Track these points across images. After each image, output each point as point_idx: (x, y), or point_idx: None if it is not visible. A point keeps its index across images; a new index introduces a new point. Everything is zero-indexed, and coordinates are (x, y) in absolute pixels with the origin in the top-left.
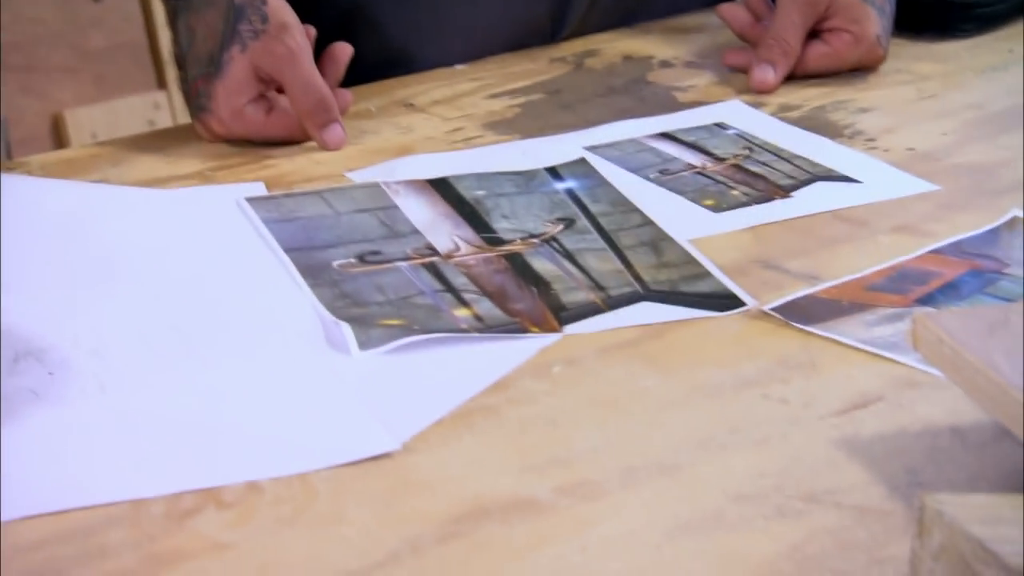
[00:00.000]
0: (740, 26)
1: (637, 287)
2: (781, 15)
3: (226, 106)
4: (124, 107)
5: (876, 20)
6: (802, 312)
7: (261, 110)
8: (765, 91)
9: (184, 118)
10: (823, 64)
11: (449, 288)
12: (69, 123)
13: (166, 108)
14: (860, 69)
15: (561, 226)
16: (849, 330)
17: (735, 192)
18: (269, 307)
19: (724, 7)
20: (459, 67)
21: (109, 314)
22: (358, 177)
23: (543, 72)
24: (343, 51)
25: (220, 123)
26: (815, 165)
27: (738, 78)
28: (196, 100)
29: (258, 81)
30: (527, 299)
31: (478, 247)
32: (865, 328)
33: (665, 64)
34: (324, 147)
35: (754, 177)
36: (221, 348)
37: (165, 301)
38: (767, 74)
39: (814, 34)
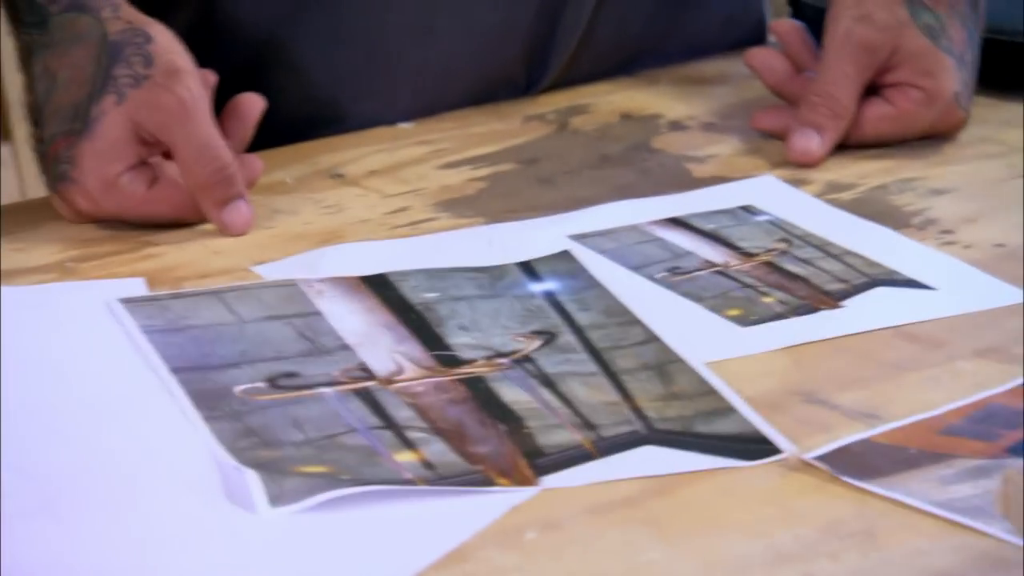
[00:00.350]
0: (775, 78)
1: (638, 425)
2: (829, 65)
3: (95, 175)
4: None
5: (954, 73)
6: (856, 463)
7: (141, 181)
8: (808, 164)
9: (37, 187)
10: (885, 129)
11: (389, 424)
12: None
13: (9, 168)
14: (933, 137)
15: (538, 342)
16: (918, 488)
17: (768, 299)
18: (147, 447)
19: (755, 53)
20: (404, 125)
21: None
22: (269, 273)
23: (516, 134)
24: (252, 105)
25: (86, 197)
26: (873, 265)
27: (772, 146)
28: (55, 167)
29: (138, 143)
30: (492, 440)
31: (428, 369)
32: (939, 486)
33: (676, 126)
34: (224, 231)
35: (793, 279)
36: (80, 503)
37: (8, 439)
38: (810, 142)
39: (873, 90)
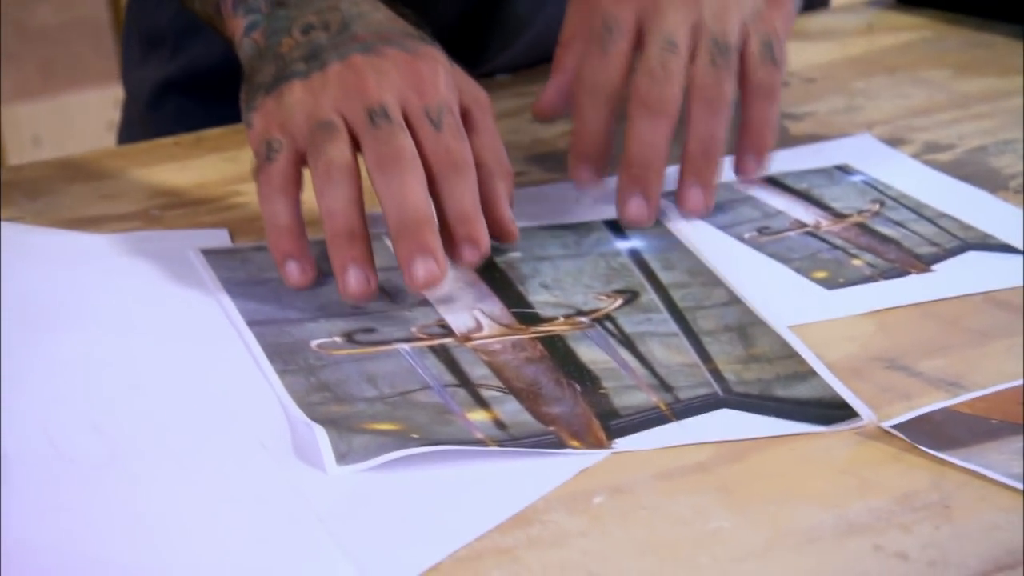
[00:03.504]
0: None
1: (716, 388)
2: None
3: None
4: (77, 104)
5: None
6: (936, 432)
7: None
8: None
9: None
10: None
11: (464, 382)
12: (4, 123)
13: None
14: None
15: (620, 301)
16: (997, 460)
17: (857, 262)
18: (218, 402)
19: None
20: (502, 77)
21: (7, 407)
22: None
23: None
24: None
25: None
26: (967, 228)
27: (872, 104)
28: (287, 69)
29: None
30: (567, 401)
31: (507, 327)
32: (1019, 458)
33: None
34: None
35: (884, 242)
36: (152, 458)
37: (82, 391)
38: None
39: None
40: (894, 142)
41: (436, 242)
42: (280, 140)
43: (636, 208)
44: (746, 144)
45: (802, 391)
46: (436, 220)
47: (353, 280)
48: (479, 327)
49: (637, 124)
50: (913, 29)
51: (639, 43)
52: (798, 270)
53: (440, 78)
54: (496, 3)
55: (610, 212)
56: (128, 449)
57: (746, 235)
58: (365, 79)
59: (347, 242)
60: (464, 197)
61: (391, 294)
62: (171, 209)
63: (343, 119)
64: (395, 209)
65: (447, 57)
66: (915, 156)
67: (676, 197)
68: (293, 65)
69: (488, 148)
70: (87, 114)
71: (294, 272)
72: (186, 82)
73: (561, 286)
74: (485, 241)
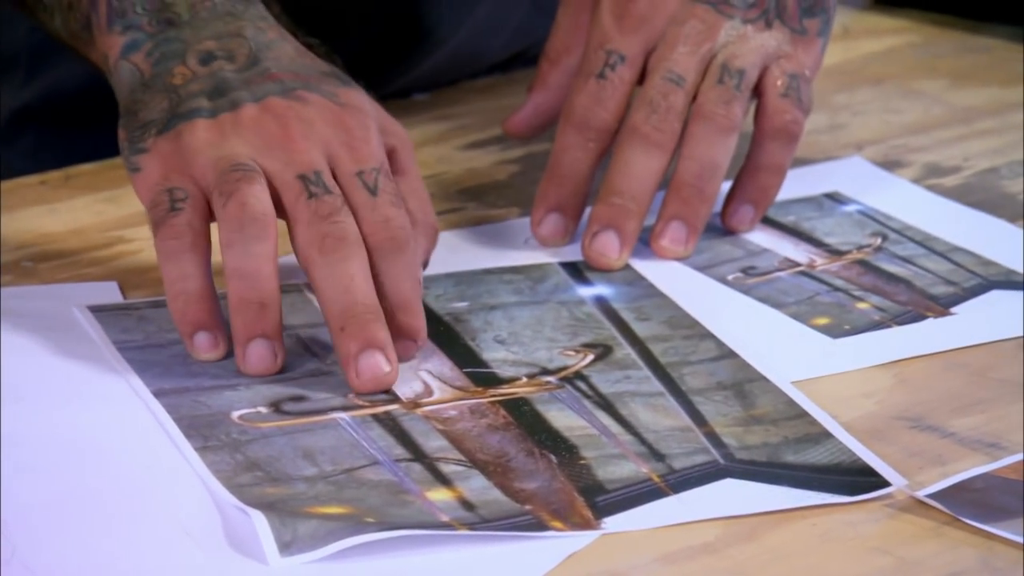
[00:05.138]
0: None
1: (716, 455)
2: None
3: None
4: None
5: None
6: (980, 501)
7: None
8: None
9: None
10: None
11: (418, 455)
12: None
13: None
14: None
15: (591, 356)
16: None
17: (863, 305)
18: (130, 485)
19: None
20: (419, 97)
21: None
22: None
23: None
24: None
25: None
26: (987, 264)
27: (861, 121)
28: (183, 105)
29: None
30: (542, 474)
31: (460, 389)
32: None
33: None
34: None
35: (892, 281)
36: (58, 552)
37: None
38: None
39: None
40: (889, 165)
41: (385, 335)
42: (184, 189)
43: (606, 244)
44: (746, 190)
45: (817, 456)
46: (381, 309)
47: (255, 356)
48: (428, 391)
49: (626, 152)
50: (896, 33)
51: (641, 78)
52: (795, 316)
53: (372, 133)
54: (407, 18)
55: (567, 253)
56: (29, 543)
57: (729, 276)
58: (289, 129)
59: (257, 313)
60: (405, 281)
61: (319, 354)
62: (46, 260)
63: (263, 171)
64: (338, 299)
65: (369, 98)
66: (916, 181)
67: (651, 232)
68: (192, 101)
69: (413, 195)
70: None
71: (205, 344)
72: (46, 110)
73: (519, 340)
74: (424, 334)
